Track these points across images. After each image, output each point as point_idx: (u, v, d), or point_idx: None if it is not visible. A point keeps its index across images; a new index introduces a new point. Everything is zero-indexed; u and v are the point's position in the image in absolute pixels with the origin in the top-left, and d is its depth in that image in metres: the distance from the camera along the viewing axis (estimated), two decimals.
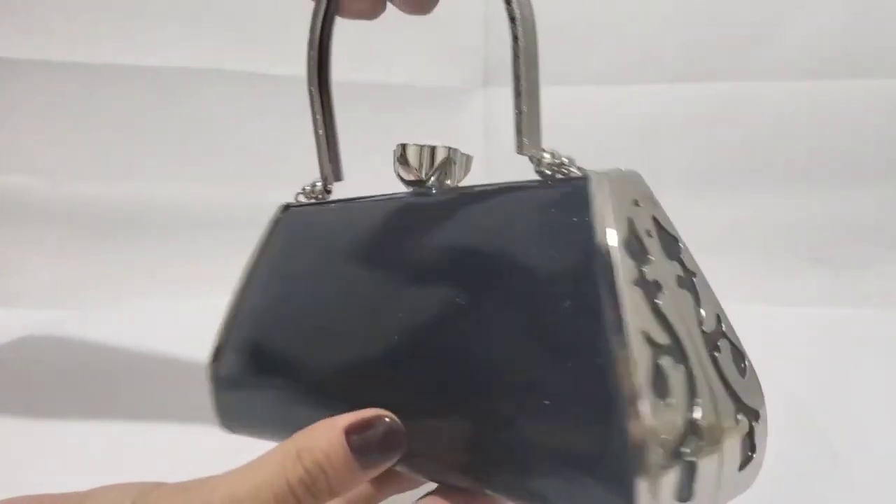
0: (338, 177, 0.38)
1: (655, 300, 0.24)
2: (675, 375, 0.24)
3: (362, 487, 0.30)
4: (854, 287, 0.80)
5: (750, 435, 0.26)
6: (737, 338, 0.27)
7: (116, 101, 0.76)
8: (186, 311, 0.71)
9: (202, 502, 0.21)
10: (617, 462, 0.23)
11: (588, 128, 0.80)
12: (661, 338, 0.24)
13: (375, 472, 0.23)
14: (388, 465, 0.23)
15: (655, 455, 0.22)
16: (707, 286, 0.27)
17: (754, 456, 0.26)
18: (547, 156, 0.29)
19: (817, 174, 0.81)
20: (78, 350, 0.66)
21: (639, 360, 0.23)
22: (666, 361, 0.24)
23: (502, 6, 0.30)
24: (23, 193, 0.77)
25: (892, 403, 0.59)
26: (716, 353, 0.25)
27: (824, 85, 0.79)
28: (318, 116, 0.37)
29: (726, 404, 0.25)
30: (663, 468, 0.22)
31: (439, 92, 0.80)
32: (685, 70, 0.80)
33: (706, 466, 0.24)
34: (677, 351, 0.24)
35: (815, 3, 0.78)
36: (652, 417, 0.22)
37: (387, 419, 0.23)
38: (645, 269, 0.25)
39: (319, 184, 0.38)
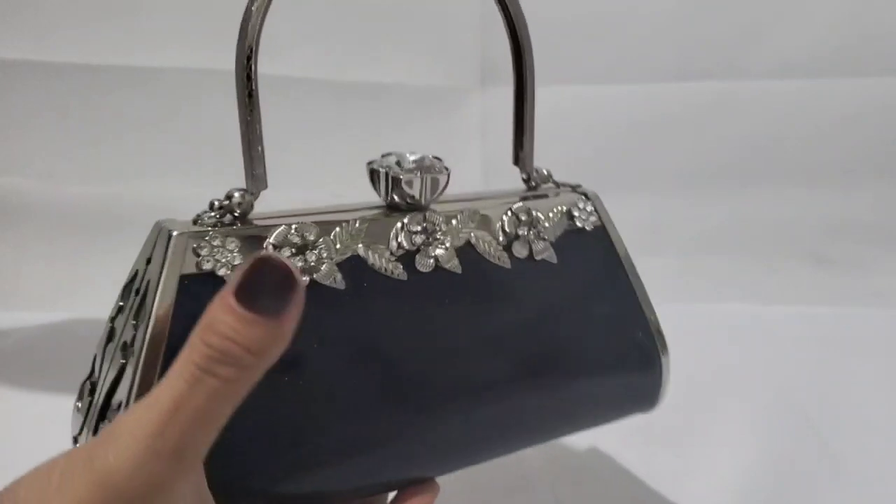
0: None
1: (105, 348, 0.30)
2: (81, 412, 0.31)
3: None
4: (854, 287, 0.80)
5: None
6: None
7: (112, 103, 0.76)
8: None
9: (119, 428, 0.21)
10: None
11: (587, 127, 0.80)
12: (92, 376, 0.31)
13: (287, 320, 0.21)
14: (293, 305, 0.21)
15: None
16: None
17: None
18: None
19: (817, 174, 0.81)
20: (73, 353, 0.66)
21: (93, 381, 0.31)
22: (84, 398, 0.31)
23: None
24: (18, 195, 0.76)
25: (892, 403, 0.59)
26: (105, 423, 0.29)
27: (823, 84, 0.79)
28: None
29: None
30: None
31: (436, 92, 0.80)
32: (684, 69, 0.80)
33: None
34: (90, 392, 0.31)
35: (814, 2, 0.78)
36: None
37: (272, 260, 0.21)
38: (116, 320, 0.31)
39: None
